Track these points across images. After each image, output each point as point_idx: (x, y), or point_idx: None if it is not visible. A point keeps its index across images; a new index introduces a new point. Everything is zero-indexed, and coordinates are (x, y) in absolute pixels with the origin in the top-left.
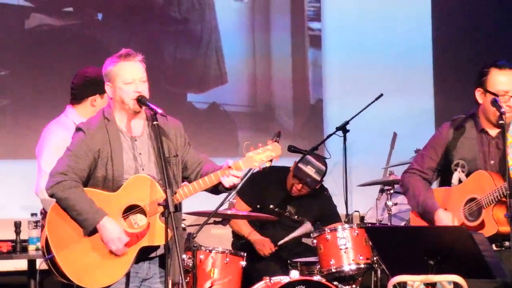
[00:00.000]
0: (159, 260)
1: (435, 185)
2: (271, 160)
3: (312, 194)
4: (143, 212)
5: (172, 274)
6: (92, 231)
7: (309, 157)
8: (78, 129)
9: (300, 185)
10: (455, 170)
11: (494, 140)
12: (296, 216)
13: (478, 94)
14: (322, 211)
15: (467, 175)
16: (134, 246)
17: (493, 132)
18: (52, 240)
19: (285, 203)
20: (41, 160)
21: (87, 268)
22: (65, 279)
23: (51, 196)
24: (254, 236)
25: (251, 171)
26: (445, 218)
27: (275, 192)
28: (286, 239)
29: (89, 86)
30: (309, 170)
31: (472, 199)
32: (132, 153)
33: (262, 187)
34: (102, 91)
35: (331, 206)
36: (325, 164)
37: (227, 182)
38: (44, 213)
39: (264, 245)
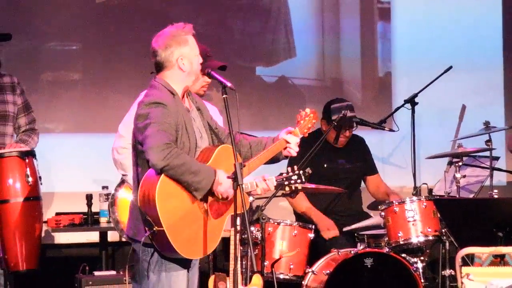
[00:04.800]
0: None
1: None
2: (313, 127)
3: (354, 143)
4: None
5: None
6: (201, 194)
7: (333, 106)
8: (157, 103)
9: (347, 130)
10: None
11: None
12: (348, 166)
13: None
14: (366, 160)
15: None
16: (224, 215)
17: None
18: (162, 214)
19: (334, 158)
20: (121, 122)
21: (191, 239)
22: (167, 251)
23: (164, 167)
24: (316, 215)
25: (323, 138)
26: None
27: (321, 152)
28: (353, 226)
29: None
30: (347, 113)
31: None
32: (195, 126)
33: (306, 153)
34: None
35: (371, 156)
36: (345, 99)
37: (294, 149)
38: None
39: (329, 229)
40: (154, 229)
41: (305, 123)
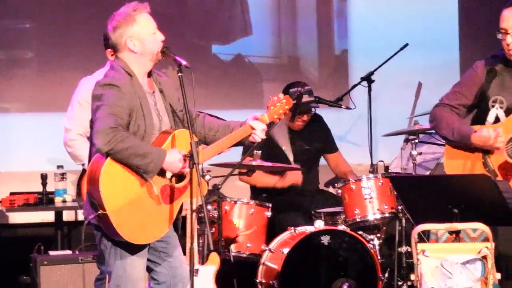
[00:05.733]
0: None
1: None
2: (285, 113)
3: (312, 123)
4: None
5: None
6: (151, 177)
7: (292, 90)
8: (111, 85)
9: (306, 115)
10: (493, 106)
11: None
12: (306, 147)
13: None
14: (325, 139)
15: (505, 112)
16: (178, 200)
17: None
18: (106, 197)
19: (293, 140)
20: (65, 115)
21: (138, 224)
22: (113, 235)
23: (109, 151)
24: (283, 182)
25: (275, 123)
26: (483, 132)
27: (279, 135)
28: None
29: (105, 40)
30: (306, 98)
31: None
32: (154, 108)
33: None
34: None
35: (331, 135)
36: (306, 84)
37: (255, 136)
38: (82, 165)
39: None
40: (99, 212)
41: (275, 109)
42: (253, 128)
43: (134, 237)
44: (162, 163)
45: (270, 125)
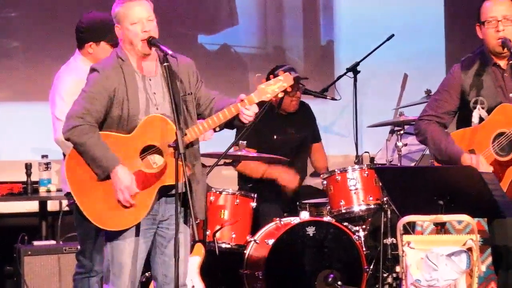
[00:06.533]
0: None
1: (452, 127)
2: (284, 91)
3: (301, 110)
4: (160, 152)
5: (197, 210)
6: (106, 177)
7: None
8: (93, 69)
9: (299, 92)
10: (475, 108)
11: (506, 72)
12: (298, 135)
13: (478, 30)
14: (313, 127)
15: (488, 111)
16: (153, 186)
17: (503, 63)
18: (72, 186)
19: (283, 128)
20: (55, 109)
21: (109, 211)
22: (89, 221)
23: (67, 139)
24: (274, 171)
25: (266, 105)
26: (465, 158)
27: (269, 123)
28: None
29: (84, 33)
30: (293, 74)
31: (500, 134)
32: (146, 93)
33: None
34: (96, 39)
35: (316, 124)
36: (283, 64)
37: (244, 117)
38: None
39: (292, 177)
40: (73, 200)
41: (266, 87)
42: (238, 109)
43: (105, 223)
44: (109, 173)
45: (261, 105)
